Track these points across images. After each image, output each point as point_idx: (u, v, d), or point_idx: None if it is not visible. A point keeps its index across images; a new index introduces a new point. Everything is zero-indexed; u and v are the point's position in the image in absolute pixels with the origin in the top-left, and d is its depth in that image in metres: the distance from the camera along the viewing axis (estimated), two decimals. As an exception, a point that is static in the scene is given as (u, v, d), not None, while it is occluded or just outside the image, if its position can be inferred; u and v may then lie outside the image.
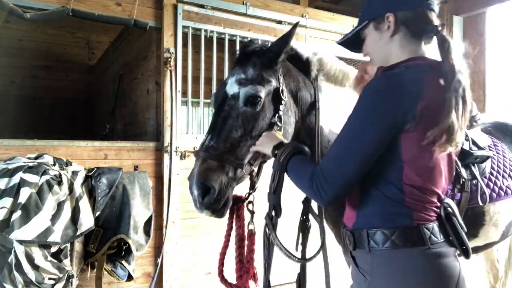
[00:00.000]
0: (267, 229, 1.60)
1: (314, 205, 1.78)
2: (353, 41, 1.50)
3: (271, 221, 1.57)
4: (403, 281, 1.20)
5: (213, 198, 1.53)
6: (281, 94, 1.66)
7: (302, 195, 1.70)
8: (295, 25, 1.70)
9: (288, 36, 1.67)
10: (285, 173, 1.44)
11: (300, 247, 1.83)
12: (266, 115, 1.63)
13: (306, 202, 1.81)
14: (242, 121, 1.60)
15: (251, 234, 1.69)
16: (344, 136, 1.25)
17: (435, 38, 1.35)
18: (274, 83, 1.67)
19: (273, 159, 1.56)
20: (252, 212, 1.70)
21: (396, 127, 1.19)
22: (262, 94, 1.62)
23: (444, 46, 1.29)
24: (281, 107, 1.65)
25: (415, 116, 1.18)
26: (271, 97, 1.65)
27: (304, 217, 1.81)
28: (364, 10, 1.43)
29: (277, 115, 1.64)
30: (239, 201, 1.72)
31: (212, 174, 1.53)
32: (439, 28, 1.32)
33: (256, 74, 1.65)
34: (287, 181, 1.46)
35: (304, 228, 1.82)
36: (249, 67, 1.67)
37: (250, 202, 1.71)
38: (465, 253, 1.27)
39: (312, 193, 1.28)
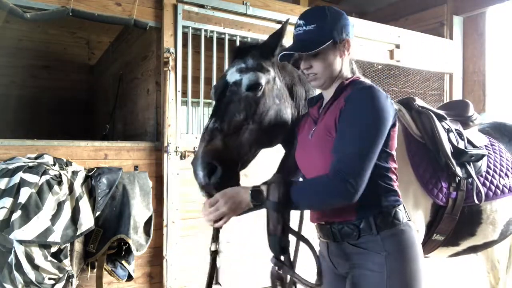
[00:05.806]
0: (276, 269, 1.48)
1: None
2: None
3: (290, 262, 1.47)
4: (404, 249, 1.44)
5: (219, 177, 1.50)
6: (277, 82, 1.73)
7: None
8: (286, 22, 1.81)
9: (281, 30, 1.77)
10: (291, 207, 1.39)
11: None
12: (266, 102, 1.68)
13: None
14: (244, 105, 1.63)
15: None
16: (361, 134, 1.38)
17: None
18: (272, 73, 1.73)
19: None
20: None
21: (389, 125, 1.44)
22: (263, 81, 1.67)
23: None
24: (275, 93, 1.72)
25: (394, 116, 1.46)
26: (271, 86, 1.71)
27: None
28: (325, 29, 1.50)
29: (276, 102, 1.70)
30: None
31: (218, 154, 1.52)
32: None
33: (256, 63, 1.71)
34: None
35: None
36: (248, 58, 1.73)
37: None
38: None
39: (339, 193, 1.34)
